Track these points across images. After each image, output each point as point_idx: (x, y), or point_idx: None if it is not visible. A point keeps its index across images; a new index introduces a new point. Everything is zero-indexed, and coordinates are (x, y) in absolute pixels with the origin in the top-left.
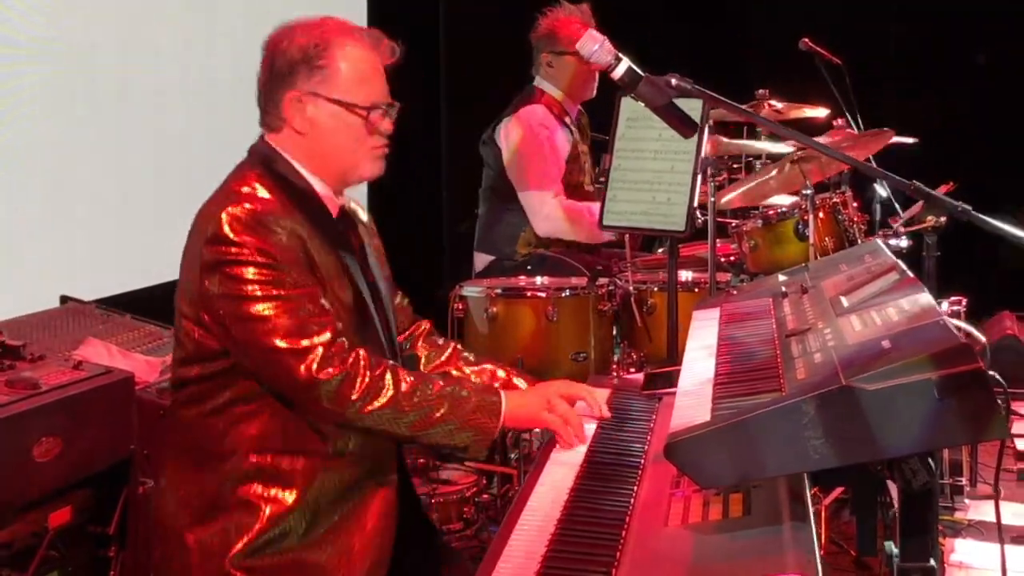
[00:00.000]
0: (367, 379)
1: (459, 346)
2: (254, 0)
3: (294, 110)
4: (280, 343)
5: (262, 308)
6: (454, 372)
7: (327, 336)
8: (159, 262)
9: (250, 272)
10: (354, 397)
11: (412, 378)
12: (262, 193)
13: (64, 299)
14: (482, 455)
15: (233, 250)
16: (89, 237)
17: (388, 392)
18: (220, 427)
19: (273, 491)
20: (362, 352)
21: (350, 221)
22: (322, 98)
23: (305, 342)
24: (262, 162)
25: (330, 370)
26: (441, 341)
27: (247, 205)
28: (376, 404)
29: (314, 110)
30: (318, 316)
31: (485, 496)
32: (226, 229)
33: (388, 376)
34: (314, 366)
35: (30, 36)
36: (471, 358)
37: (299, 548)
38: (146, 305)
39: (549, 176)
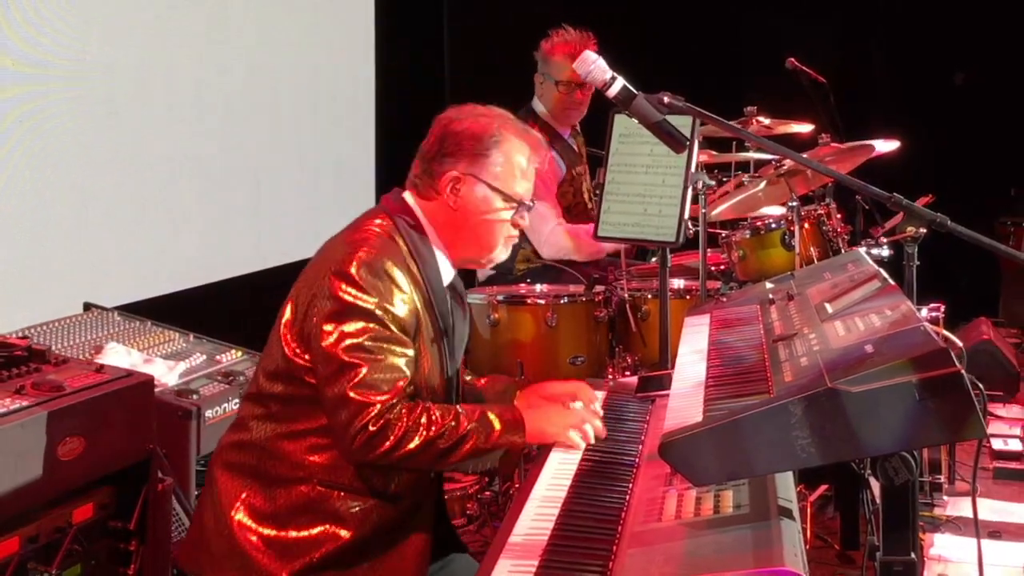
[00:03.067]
0: (401, 427)
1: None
2: (265, 20)
3: (450, 187)
4: (350, 393)
5: (350, 357)
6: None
7: (392, 399)
8: (176, 270)
9: (358, 322)
10: (387, 446)
11: (440, 415)
12: (394, 245)
13: (87, 306)
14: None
15: (354, 292)
16: (111, 247)
17: (420, 436)
18: (294, 452)
19: (333, 528)
20: (399, 408)
21: (455, 292)
22: (482, 182)
23: (372, 398)
24: (399, 216)
25: (374, 425)
26: None
27: (380, 253)
28: (409, 447)
29: (468, 191)
30: (395, 378)
31: (487, 493)
32: (354, 269)
33: (422, 418)
34: (369, 417)
35: (60, 58)
36: (471, 376)
37: (353, 571)
38: (164, 311)
39: (543, 199)
